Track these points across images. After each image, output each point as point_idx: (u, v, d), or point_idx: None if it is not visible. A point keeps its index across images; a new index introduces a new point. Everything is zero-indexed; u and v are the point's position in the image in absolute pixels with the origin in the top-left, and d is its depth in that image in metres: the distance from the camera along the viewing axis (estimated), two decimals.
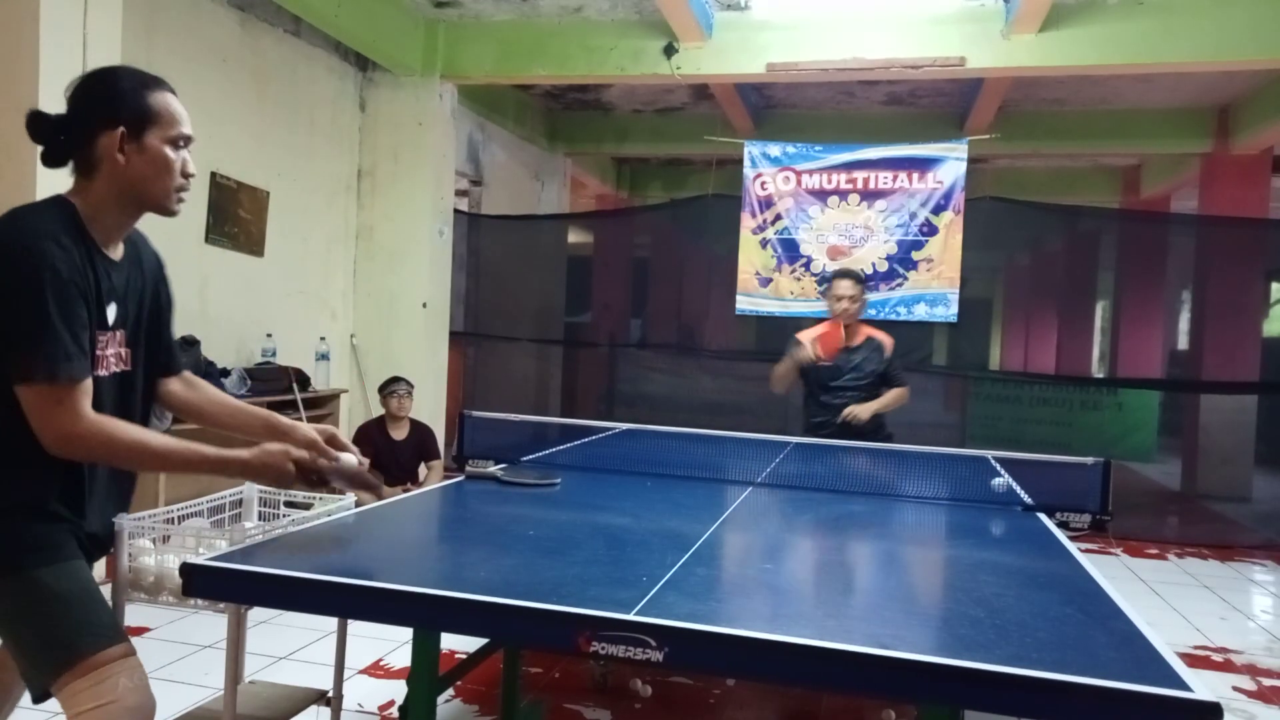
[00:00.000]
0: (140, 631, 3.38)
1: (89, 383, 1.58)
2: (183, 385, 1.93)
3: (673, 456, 3.18)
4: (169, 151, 1.65)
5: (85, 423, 1.55)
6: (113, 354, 1.71)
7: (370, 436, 5.12)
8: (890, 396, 4.13)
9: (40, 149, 1.67)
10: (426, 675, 1.86)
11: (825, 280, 6.61)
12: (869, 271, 6.52)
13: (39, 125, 1.65)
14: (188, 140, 1.69)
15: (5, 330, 1.52)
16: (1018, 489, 2.90)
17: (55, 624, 1.55)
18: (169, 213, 1.71)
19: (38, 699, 1.63)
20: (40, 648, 1.56)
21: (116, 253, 1.71)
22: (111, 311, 1.68)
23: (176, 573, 1.68)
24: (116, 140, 1.61)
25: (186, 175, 1.69)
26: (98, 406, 1.63)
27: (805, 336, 4.24)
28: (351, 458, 1.86)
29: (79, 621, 1.56)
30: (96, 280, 1.62)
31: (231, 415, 1.94)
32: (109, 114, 1.61)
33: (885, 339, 4.25)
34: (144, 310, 1.80)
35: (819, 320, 4.44)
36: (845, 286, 4.18)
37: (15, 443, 1.56)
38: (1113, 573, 5.05)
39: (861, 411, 4.03)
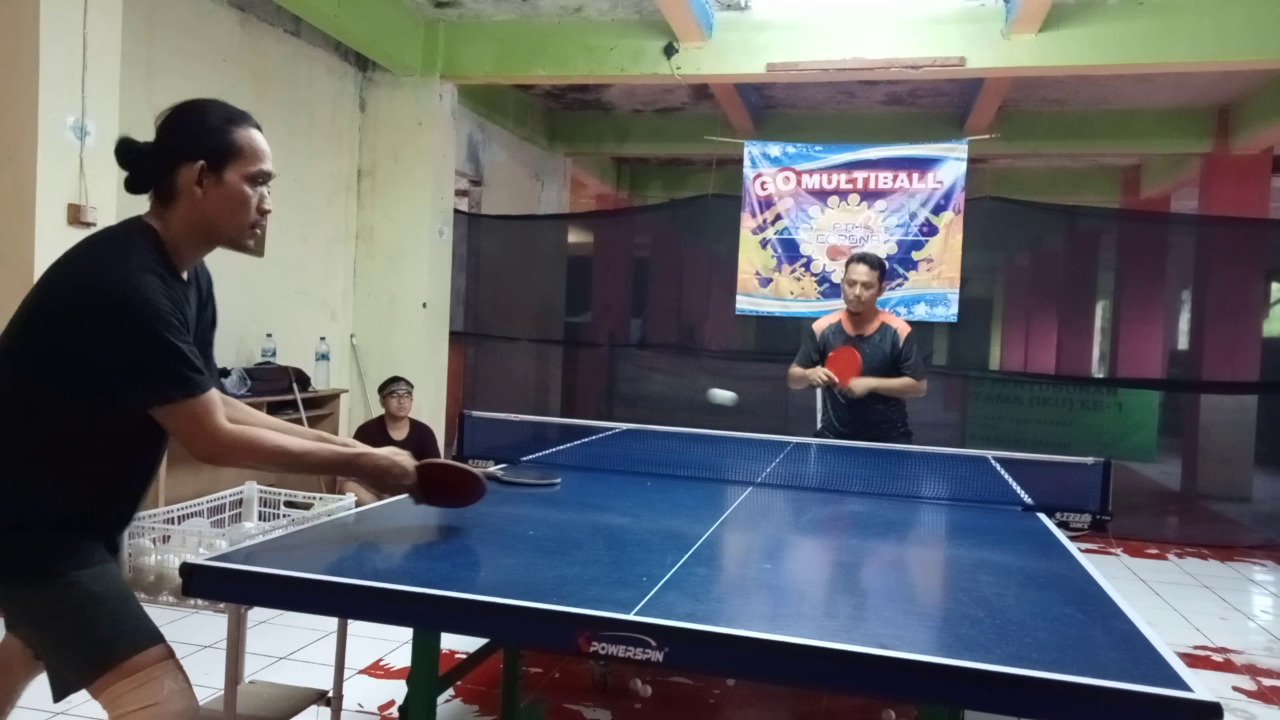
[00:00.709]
0: None
1: (218, 394, 1.64)
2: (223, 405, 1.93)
3: (673, 456, 3.18)
4: (246, 188, 1.67)
5: (228, 431, 1.62)
6: None
7: (370, 436, 5.12)
8: (896, 381, 3.94)
9: (125, 175, 1.68)
10: (426, 675, 1.86)
11: (825, 280, 6.61)
12: None
13: (126, 152, 1.66)
14: (267, 177, 1.71)
15: (129, 361, 1.54)
16: (1018, 489, 2.90)
17: (96, 625, 1.57)
18: (244, 249, 1.75)
19: (59, 697, 1.64)
20: (81, 649, 1.57)
21: (184, 275, 1.73)
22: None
23: (176, 573, 1.69)
24: (195, 174, 1.62)
25: (263, 212, 1.71)
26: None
27: (820, 326, 4.16)
28: None
29: (118, 622, 1.58)
30: (179, 307, 1.65)
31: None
32: (191, 147, 1.63)
33: (901, 326, 4.07)
34: (198, 330, 1.82)
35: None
36: (860, 272, 3.96)
37: (57, 459, 1.59)
38: (1113, 573, 5.05)
39: (855, 384, 3.87)
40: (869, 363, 3.96)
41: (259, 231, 1.73)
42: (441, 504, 2.02)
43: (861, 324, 4.06)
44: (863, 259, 4.05)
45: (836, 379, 3.91)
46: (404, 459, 1.91)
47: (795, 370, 4.14)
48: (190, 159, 1.62)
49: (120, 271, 1.55)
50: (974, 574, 1.94)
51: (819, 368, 4.00)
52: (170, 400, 1.56)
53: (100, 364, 1.54)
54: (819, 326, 4.19)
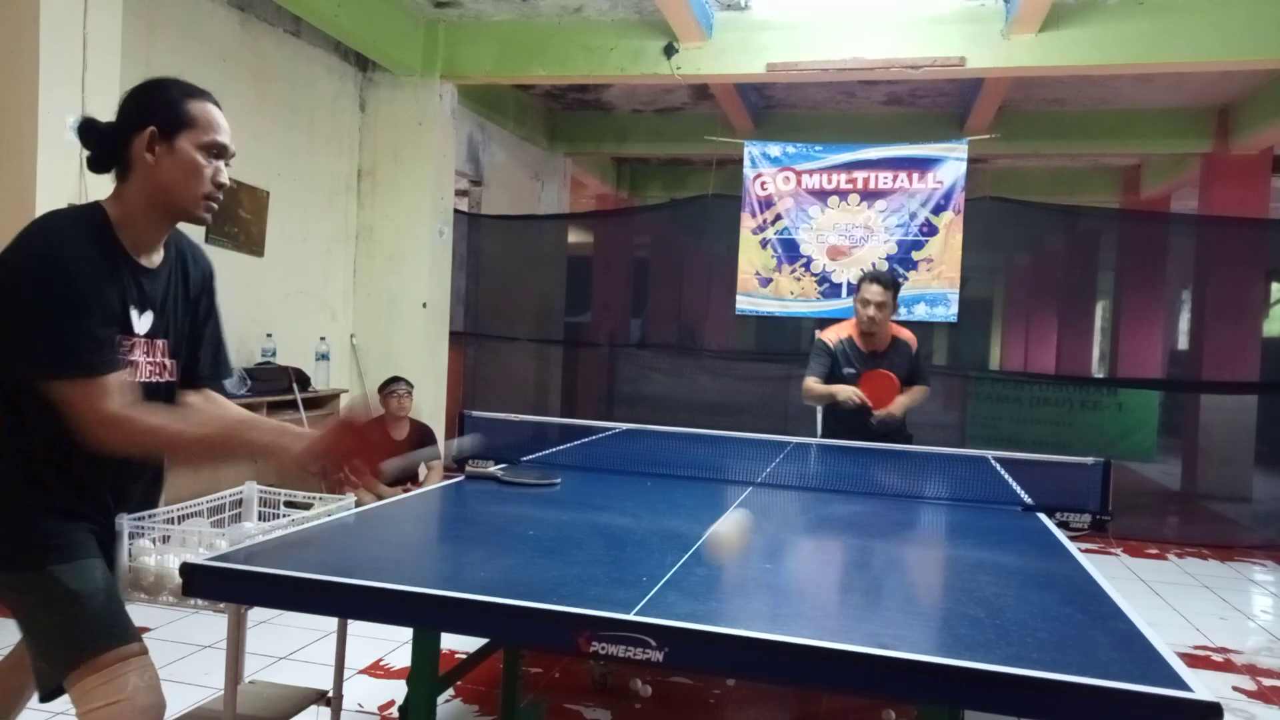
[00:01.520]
0: (141, 631, 3.37)
1: (121, 376, 1.58)
2: (201, 399, 1.91)
3: (673, 456, 3.18)
4: (199, 157, 1.66)
5: (119, 413, 1.55)
6: (148, 363, 1.71)
7: None
8: (916, 394, 3.92)
9: (88, 155, 1.69)
10: (426, 675, 1.86)
11: (825, 280, 6.61)
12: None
13: (88, 131, 1.67)
14: (222, 149, 1.70)
15: (31, 332, 1.53)
16: (1018, 489, 2.90)
17: (73, 622, 1.57)
18: (198, 220, 1.72)
19: (45, 698, 1.64)
20: (57, 644, 1.57)
21: (151, 260, 1.71)
22: (145, 320, 1.69)
23: (176, 573, 1.68)
24: (146, 140, 1.63)
25: (218, 184, 1.70)
26: None
27: (831, 339, 4.00)
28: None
29: (96, 620, 1.58)
30: (121, 287, 1.63)
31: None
32: (143, 115, 1.64)
33: (910, 337, 4.05)
34: (185, 321, 1.81)
35: (820, 320, 4.37)
36: (875, 291, 3.83)
37: (38, 445, 1.59)
38: (1113, 573, 5.05)
39: (897, 410, 3.80)
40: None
41: (214, 205, 1.71)
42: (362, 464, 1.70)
43: (876, 341, 3.96)
44: (876, 279, 3.90)
45: (870, 403, 3.75)
46: (293, 433, 1.69)
47: (816, 386, 3.92)
48: (141, 127, 1.63)
49: (40, 244, 1.55)
50: (974, 574, 1.94)
51: (848, 388, 3.81)
52: (59, 376, 1.53)
53: (11, 336, 1.53)
54: (830, 340, 4.01)
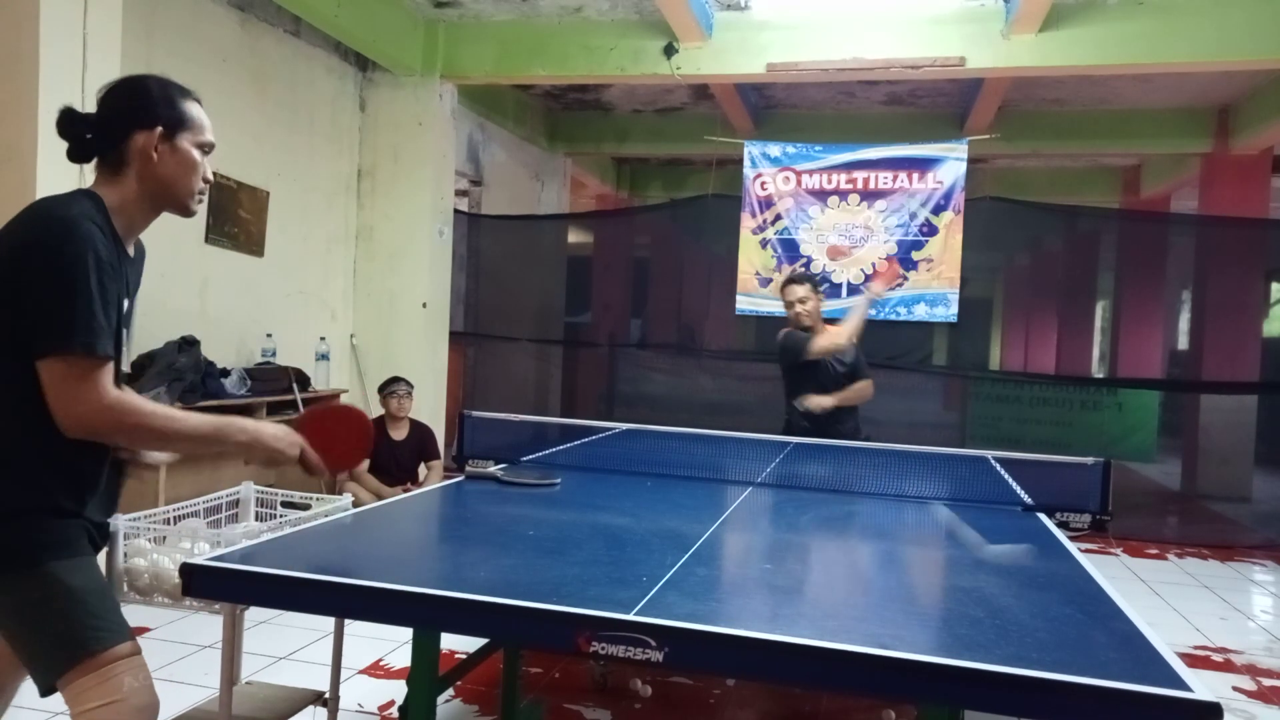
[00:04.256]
0: (140, 632, 3.36)
1: (113, 363, 1.59)
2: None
3: (673, 456, 3.18)
4: (196, 154, 1.75)
5: (113, 397, 1.56)
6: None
7: None
8: (854, 390, 4.14)
9: (66, 145, 1.72)
10: (426, 675, 1.86)
11: (825, 280, 6.60)
12: (869, 271, 6.52)
13: (70, 123, 1.71)
14: (212, 147, 1.80)
15: (41, 304, 1.52)
16: (1018, 489, 2.90)
17: (68, 620, 1.55)
18: (189, 212, 1.79)
19: (45, 693, 1.63)
20: (52, 643, 1.56)
21: (130, 249, 1.76)
22: (125, 305, 1.71)
23: (172, 573, 1.68)
24: (154, 139, 1.69)
25: (207, 180, 1.79)
26: None
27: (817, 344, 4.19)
28: None
29: (90, 618, 1.56)
30: (122, 273, 1.66)
31: None
32: (148, 115, 1.71)
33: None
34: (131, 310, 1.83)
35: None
36: (796, 291, 4.16)
37: (28, 443, 1.57)
38: (1113, 573, 5.05)
39: (825, 401, 4.06)
40: (834, 378, 4.13)
41: (202, 198, 1.80)
42: (337, 461, 1.86)
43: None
44: (794, 279, 4.29)
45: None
46: (279, 428, 1.77)
47: (842, 331, 4.17)
48: (147, 126, 1.69)
49: (60, 220, 1.56)
50: (974, 574, 1.94)
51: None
52: (67, 351, 1.51)
53: (27, 312, 1.52)
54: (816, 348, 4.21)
